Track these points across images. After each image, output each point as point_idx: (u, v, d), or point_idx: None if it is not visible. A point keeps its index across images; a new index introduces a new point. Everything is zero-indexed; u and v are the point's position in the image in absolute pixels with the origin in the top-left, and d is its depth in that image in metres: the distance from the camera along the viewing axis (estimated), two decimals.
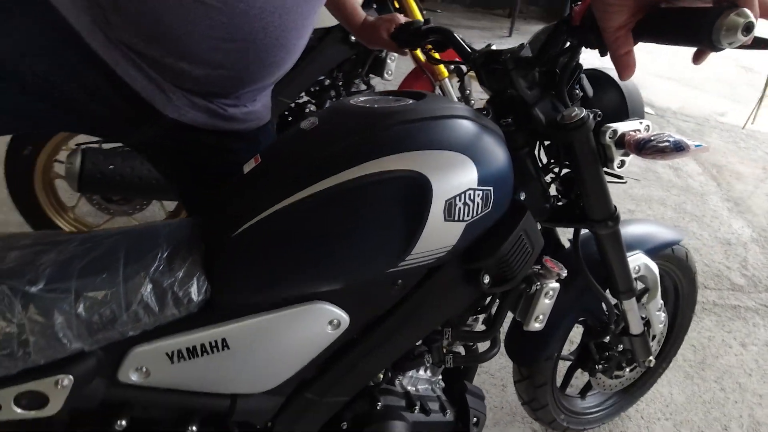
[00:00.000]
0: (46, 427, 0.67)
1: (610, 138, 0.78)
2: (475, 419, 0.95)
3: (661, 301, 1.09)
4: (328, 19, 1.49)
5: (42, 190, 1.52)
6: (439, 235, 0.69)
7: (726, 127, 2.87)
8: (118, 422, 0.65)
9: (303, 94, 1.71)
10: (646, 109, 2.75)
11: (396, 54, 1.77)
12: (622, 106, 0.83)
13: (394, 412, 0.86)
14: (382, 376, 0.89)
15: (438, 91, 1.84)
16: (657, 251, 1.09)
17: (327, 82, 1.72)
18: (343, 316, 0.71)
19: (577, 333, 1.16)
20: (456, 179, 0.66)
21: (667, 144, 0.74)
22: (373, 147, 0.64)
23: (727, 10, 0.50)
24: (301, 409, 0.77)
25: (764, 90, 2.74)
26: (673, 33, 0.56)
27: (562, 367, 1.26)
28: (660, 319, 1.12)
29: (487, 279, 0.77)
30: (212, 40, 0.62)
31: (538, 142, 0.82)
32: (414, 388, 0.92)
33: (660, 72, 3.53)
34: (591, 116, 0.75)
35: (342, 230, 0.66)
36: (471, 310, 0.90)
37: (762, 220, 2.13)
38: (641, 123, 0.82)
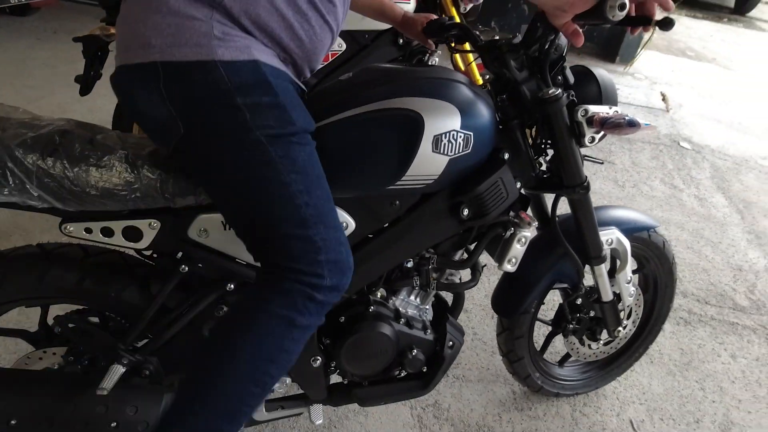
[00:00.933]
0: (129, 280, 0.93)
1: (582, 116, 0.96)
2: (450, 343, 1.10)
3: (631, 275, 1.22)
4: (380, 24, 1.79)
5: None
6: (427, 164, 0.88)
7: (766, 170, 2.89)
8: (182, 267, 0.91)
9: None
10: (684, 144, 2.87)
11: (437, 57, 2.04)
12: (598, 95, 0.99)
13: (383, 318, 1.04)
14: (378, 293, 1.06)
15: None
16: (632, 232, 1.23)
17: None
18: (350, 221, 0.93)
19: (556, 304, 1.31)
20: (444, 121, 0.86)
21: (622, 120, 0.93)
22: (384, 90, 0.87)
23: None
24: None
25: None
26: (592, 14, 0.77)
27: (543, 332, 1.42)
28: (629, 291, 1.24)
29: (466, 212, 0.96)
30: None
31: (531, 128, 1.01)
32: (404, 311, 1.10)
33: (708, 113, 3.57)
34: (565, 95, 0.94)
35: (355, 148, 0.87)
36: (456, 246, 1.07)
37: None
38: (611, 108, 0.98)
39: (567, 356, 1.42)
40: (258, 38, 0.72)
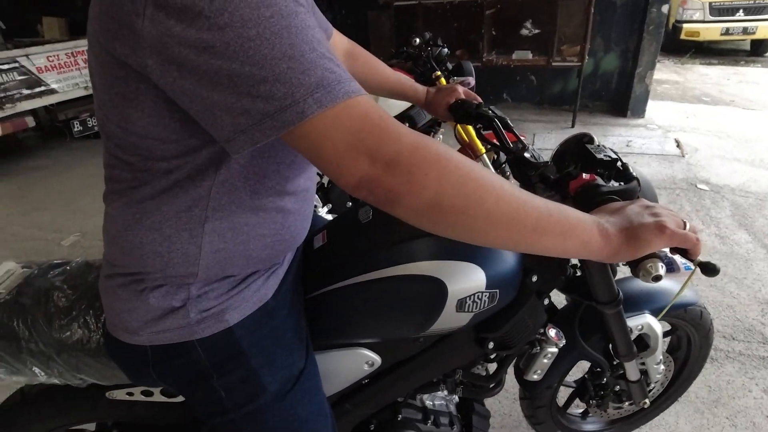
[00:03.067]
0: (176, 405, 0.93)
1: None
2: None
3: (661, 357, 1.19)
4: (388, 111, 2.10)
5: None
6: (450, 320, 0.86)
7: None
8: None
9: None
10: (701, 186, 2.96)
11: (441, 134, 2.30)
12: None
13: (411, 423, 1.05)
14: (407, 394, 1.07)
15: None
16: (668, 311, 1.16)
17: None
18: (377, 359, 0.93)
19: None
20: (467, 284, 0.81)
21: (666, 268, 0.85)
22: (409, 252, 0.82)
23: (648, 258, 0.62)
24: (340, 414, 0.99)
25: None
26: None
27: (567, 390, 1.45)
28: (658, 371, 1.21)
29: (491, 345, 0.94)
30: None
31: None
32: (431, 403, 1.12)
33: (726, 154, 3.62)
34: None
35: (380, 309, 0.86)
36: (481, 361, 1.05)
37: None
38: None
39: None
40: (239, 283, 0.73)
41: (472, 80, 2.20)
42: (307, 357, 0.82)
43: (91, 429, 1.11)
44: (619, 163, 0.79)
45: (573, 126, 4.25)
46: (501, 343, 0.95)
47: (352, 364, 0.93)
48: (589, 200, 0.74)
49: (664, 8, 4.08)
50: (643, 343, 1.16)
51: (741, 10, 6.56)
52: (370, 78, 1.10)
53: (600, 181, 0.77)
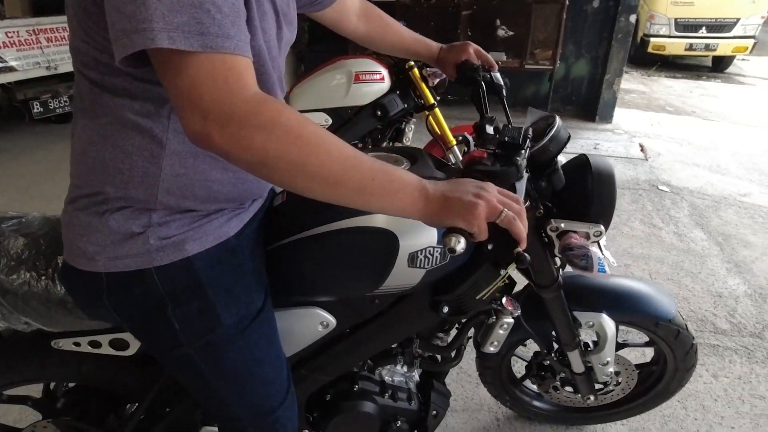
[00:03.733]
0: (125, 362, 0.95)
1: (551, 231, 0.92)
2: (434, 412, 1.11)
3: (609, 359, 1.20)
4: (360, 99, 2.09)
5: None
6: (402, 276, 0.86)
7: (745, 205, 3.01)
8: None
9: None
10: (662, 188, 3.06)
11: (413, 124, 2.30)
12: (586, 208, 0.91)
13: (368, 395, 1.04)
14: (364, 365, 1.07)
15: (450, 156, 2.31)
16: (630, 322, 1.21)
17: (359, 145, 2.27)
18: (332, 320, 0.92)
19: None
20: (419, 239, 0.82)
21: (578, 261, 0.90)
22: None
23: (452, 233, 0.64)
24: (296, 381, 0.94)
25: None
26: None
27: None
28: (605, 372, 1.22)
29: (446, 309, 0.93)
30: None
31: None
32: (390, 379, 1.10)
33: (686, 159, 3.77)
34: (535, 209, 0.89)
35: (333, 262, 0.85)
36: (438, 330, 1.06)
37: (762, 281, 2.23)
38: (591, 228, 0.90)
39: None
40: (205, 218, 0.73)
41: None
42: (265, 300, 0.81)
43: (37, 396, 1.08)
44: (522, 152, 0.78)
45: None
46: (456, 306, 0.94)
47: (307, 324, 0.92)
48: (466, 173, 0.76)
49: (632, 18, 4.23)
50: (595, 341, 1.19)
51: (704, 28, 6.87)
52: (385, 38, 1.10)
53: (487, 160, 0.79)
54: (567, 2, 3.98)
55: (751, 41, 6.80)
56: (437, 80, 2.22)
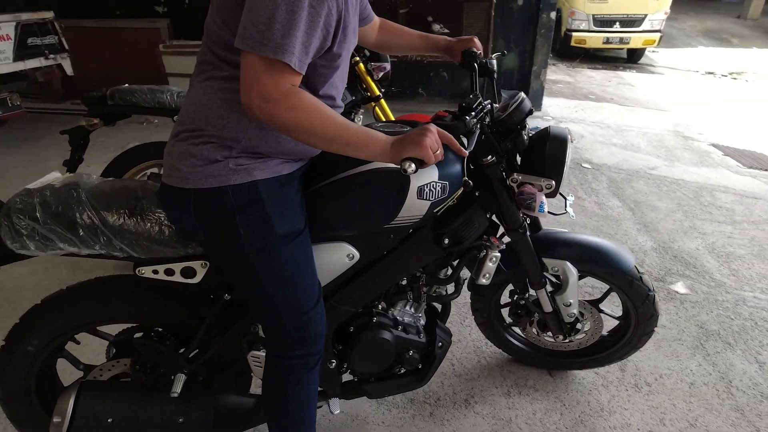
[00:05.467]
0: (191, 289, 1.13)
1: (512, 182, 1.18)
2: (440, 343, 1.32)
3: (572, 301, 1.42)
4: None
5: None
6: (413, 208, 1.07)
7: (653, 177, 3.46)
8: (226, 295, 1.15)
9: None
10: (585, 164, 3.43)
11: (361, 114, 2.49)
12: (541, 165, 1.16)
13: (384, 326, 1.25)
14: (380, 306, 1.27)
15: None
16: (588, 271, 1.43)
17: None
18: (356, 253, 1.13)
19: None
20: (424, 174, 1.04)
21: (524, 203, 1.16)
22: None
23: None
24: (326, 312, 1.12)
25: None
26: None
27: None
28: (569, 312, 1.45)
29: (446, 240, 1.15)
30: None
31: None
32: (401, 318, 1.31)
33: (606, 140, 4.22)
34: (500, 163, 1.13)
35: (357, 199, 1.07)
36: (441, 266, 1.27)
37: (665, 237, 2.63)
38: (543, 181, 1.15)
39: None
40: (269, 160, 0.97)
41: (387, 65, 2.42)
42: (305, 226, 1.05)
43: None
44: (472, 113, 1.01)
45: None
46: (454, 237, 1.15)
47: (336, 256, 1.13)
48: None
49: (552, 14, 4.65)
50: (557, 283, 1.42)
51: (617, 23, 7.55)
52: (396, 42, 1.36)
53: (446, 118, 1.03)
54: (494, 1, 4.31)
55: (658, 35, 7.56)
56: (381, 74, 2.42)
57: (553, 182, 1.15)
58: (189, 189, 0.95)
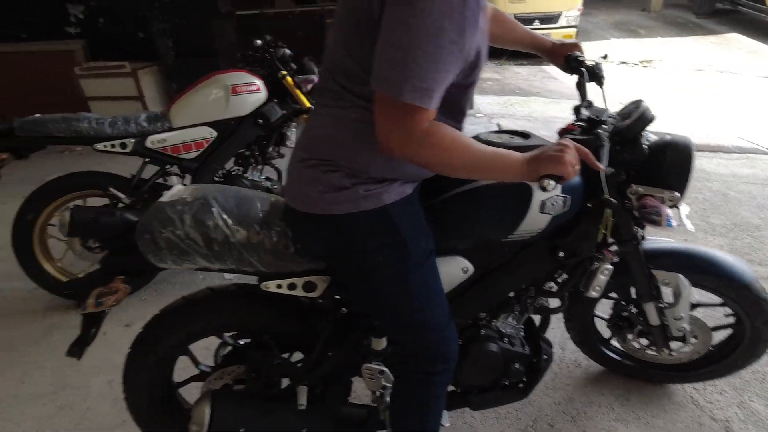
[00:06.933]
0: (312, 302, 1.16)
1: (631, 194, 1.14)
2: (545, 356, 1.32)
3: (683, 315, 1.36)
4: (241, 110, 2.22)
5: (37, 245, 2.07)
6: (534, 221, 1.07)
7: None
8: (342, 309, 1.18)
9: (231, 162, 2.37)
10: None
11: (294, 127, 2.48)
12: (663, 177, 1.11)
13: (492, 339, 1.25)
14: (485, 316, 1.27)
15: None
16: (703, 279, 1.35)
17: (247, 152, 2.39)
18: (470, 266, 1.15)
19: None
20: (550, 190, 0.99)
21: (649, 216, 1.10)
22: None
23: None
24: None
25: None
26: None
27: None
28: (679, 326, 1.37)
29: (561, 253, 1.15)
30: None
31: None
32: (504, 330, 1.30)
33: (534, 132, 4.45)
34: (619, 175, 1.11)
35: (478, 212, 1.06)
36: (549, 278, 1.25)
37: None
38: (667, 194, 1.09)
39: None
40: (394, 182, 0.97)
41: (315, 78, 2.44)
42: (433, 243, 1.04)
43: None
44: (603, 126, 1.02)
45: None
46: (570, 250, 1.14)
47: (451, 269, 1.13)
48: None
49: None
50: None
51: (537, 20, 7.99)
52: (507, 36, 1.33)
53: (576, 131, 1.06)
54: None
55: (575, 29, 8.07)
56: (310, 86, 2.44)
57: (678, 195, 1.10)
58: (318, 214, 0.96)
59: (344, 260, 1.03)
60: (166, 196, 1.07)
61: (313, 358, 1.21)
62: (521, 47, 1.35)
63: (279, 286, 1.09)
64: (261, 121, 2.27)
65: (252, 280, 1.17)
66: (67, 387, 1.82)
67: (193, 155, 2.20)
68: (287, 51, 2.38)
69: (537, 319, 1.41)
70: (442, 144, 0.85)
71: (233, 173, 2.39)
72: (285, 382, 1.31)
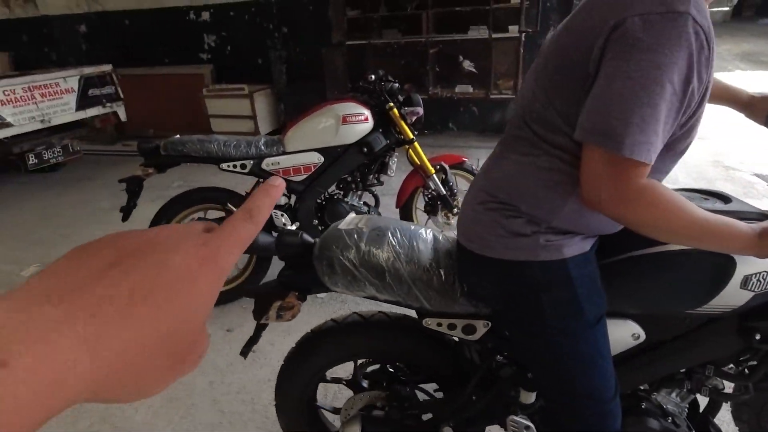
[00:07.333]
0: (470, 345, 1.15)
1: None
2: None
3: None
4: (348, 138, 2.35)
5: None
6: (729, 297, 0.92)
7: None
8: (498, 357, 1.16)
9: (333, 186, 2.51)
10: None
11: (396, 157, 2.56)
12: None
13: (653, 413, 1.10)
14: (647, 386, 1.14)
15: (429, 183, 2.58)
16: None
17: (349, 178, 2.52)
18: (642, 333, 1.02)
19: None
20: (759, 262, 0.89)
21: None
22: None
23: None
24: None
25: None
26: None
27: None
28: None
29: (758, 336, 0.95)
30: None
31: None
32: (666, 406, 1.14)
33: None
34: None
35: (664, 281, 0.94)
36: (733, 359, 1.07)
37: None
38: None
39: None
40: (576, 236, 0.91)
41: (420, 110, 2.51)
42: (606, 306, 0.96)
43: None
44: None
45: None
46: None
47: (619, 333, 1.03)
48: None
49: None
50: None
51: None
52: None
53: None
54: (522, 38, 4.41)
55: None
56: (414, 118, 2.52)
57: None
58: (493, 258, 0.93)
59: (513, 308, 0.98)
60: (343, 224, 1.11)
61: (462, 400, 1.17)
62: (712, 99, 1.18)
63: (439, 324, 1.08)
64: (365, 149, 2.38)
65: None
66: (176, 381, 2.01)
67: (300, 178, 2.37)
68: (396, 84, 2.47)
69: (702, 398, 1.20)
70: (658, 203, 0.77)
71: (334, 197, 2.51)
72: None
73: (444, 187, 2.58)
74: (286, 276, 1.12)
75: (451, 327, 1.08)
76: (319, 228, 2.46)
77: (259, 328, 1.17)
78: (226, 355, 2.12)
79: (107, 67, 4.31)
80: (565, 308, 0.92)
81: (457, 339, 1.14)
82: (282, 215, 2.38)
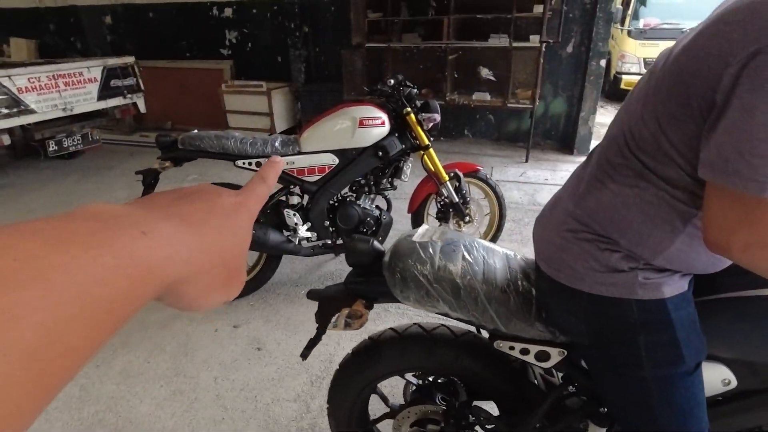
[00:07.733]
0: (535, 368, 1.13)
1: None
2: None
3: None
4: (364, 141, 2.36)
5: None
6: None
7: None
8: (570, 387, 1.08)
9: (346, 189, 2.51)
10: None
11: (410, 163, 2.56)
12: None
13: None
14: None
15: (443, 190, 2.58)
16: None
17: (362, 181, 2.52)
18: (733, 380, 0.94)
19: None
20: None
21: None
22: None
23: None
24: None
25: None
26: None
27: None
28: None
29: None
30: None
31: None
32: None
33: None
34: None
35: (764, 325, 0.87)
36: None
37: None
38: None
39: None
40: (675, 274, 0.85)
41: (437, 117, 2.51)
42: (706, 350, 0.89)
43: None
44: None
45: (527, 161, 4.68)
46: None
47: (709, 377, 0.95)
48: None
49: (602, 62, 4.65)
50: None
51: None
52: None
53: None
54: (543, 48, 4.38)
55: None
56: (431, 124, 2.51)
57: None
58: (583, 291, 0.88)
59: (603, 346, 0.92)
60: (417, 235, 1.08)
61: (525, 429, 1.12)
62: None
63: (512, 348, 1.03)
64: (381, 153, 2.38)
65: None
66: (180, 374, 2.03)
67: (314, 179, 2.38)
68: (414, 90, 2.48)
69: None
70: None
71: (347, 199, 2.52)
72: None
73: (457, 195, 2.58)
74: (354, 282, 1.08)
75: (524, 352, 1.03)
76: (330, 229, 2.47)
77: (321, 331, 1.15)
78: (231, 351, 2.14)
79: (130, 59, 4.38)
80: (664, 353, 0.86)
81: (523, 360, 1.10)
82: (294, 215, 2.39)
